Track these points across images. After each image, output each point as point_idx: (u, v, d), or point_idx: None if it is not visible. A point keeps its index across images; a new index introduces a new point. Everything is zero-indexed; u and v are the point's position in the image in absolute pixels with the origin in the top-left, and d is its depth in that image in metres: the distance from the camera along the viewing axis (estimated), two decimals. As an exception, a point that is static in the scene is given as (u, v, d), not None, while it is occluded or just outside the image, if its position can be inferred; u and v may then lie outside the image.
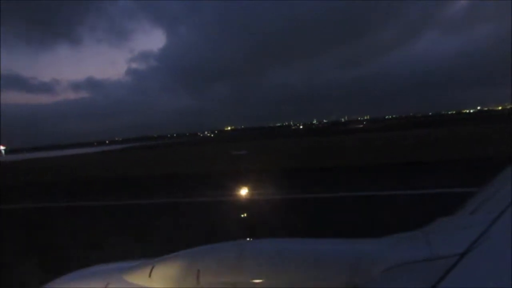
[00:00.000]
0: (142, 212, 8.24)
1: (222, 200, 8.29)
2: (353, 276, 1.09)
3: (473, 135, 18.32)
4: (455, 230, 1.12)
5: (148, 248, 5.13)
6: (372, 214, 6.34)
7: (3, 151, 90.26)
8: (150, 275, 1.39)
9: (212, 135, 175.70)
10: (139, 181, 13.16)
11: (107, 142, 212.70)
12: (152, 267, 1.40)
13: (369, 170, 11.13)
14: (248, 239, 1.47)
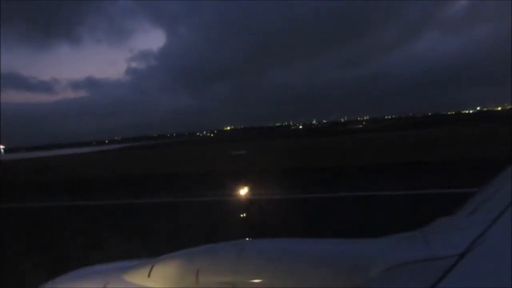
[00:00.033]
0: (142, 211, 8.24)
1: (222, 200, 8.29)
2: (353, 276, 1.09)
3: (473, 136, 18.34)
4: (454, 230, 1.12)
5: (148, 247, 5.13)
6: (372, 214, 6.34)
7: (2, 150, 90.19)
8: (149, 275, 1.38)
9: (211, 135, 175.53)
10: (138, 180, 13.16)
11: (106, 141, 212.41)
12: (152, 267, 1.40)
13: (369, 170, 11.13)
14: (247, 239, 1.47)
